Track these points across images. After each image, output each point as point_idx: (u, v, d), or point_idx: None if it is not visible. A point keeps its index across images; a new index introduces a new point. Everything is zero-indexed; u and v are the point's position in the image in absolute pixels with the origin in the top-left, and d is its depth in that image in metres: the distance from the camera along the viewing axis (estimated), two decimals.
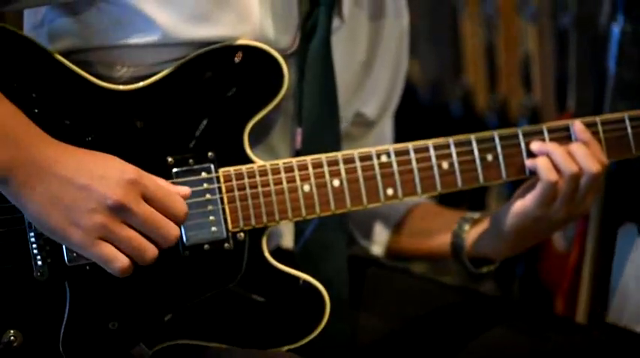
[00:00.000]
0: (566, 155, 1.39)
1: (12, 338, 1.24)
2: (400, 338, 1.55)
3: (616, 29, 2.20)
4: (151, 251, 1.23)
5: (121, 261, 1.21)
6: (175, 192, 1.25)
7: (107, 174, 1.21)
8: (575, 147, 1.40)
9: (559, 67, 2.80)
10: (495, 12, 3.00)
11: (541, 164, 1.39)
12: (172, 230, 1.24)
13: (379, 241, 1.63)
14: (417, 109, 3.15)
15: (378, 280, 1.61)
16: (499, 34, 3.01)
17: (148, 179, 1.23)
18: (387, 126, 1.64)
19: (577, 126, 1.42)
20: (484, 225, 1.49)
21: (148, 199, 1.23)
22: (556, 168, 1.39)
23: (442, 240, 1.54)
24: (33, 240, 1.25)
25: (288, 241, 1.56)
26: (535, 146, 1.41)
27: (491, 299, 1.66)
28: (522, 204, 1.41)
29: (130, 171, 1.22)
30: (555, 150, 1.40)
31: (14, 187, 1.20)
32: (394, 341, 1.55)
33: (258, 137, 1.43)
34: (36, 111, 1.26)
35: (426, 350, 1.53)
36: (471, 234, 1.50)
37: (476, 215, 1.53)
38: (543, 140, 1.41)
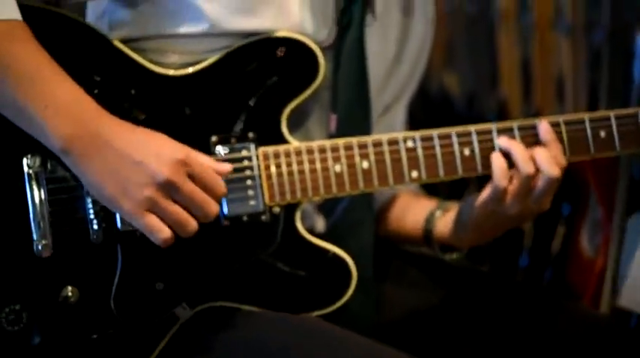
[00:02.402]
0: (527, 157, 1.45)
1: (70, 293, 1.38)
2: (422, 315, 1.64)
3: None
4: (192, 225, 1.36)
5: (164, 232, 1.34)
6: (217, 174, 1.38)
7: (160, 153, 1.34)
8: (538, 151, 1.46)
9: (592, 80, 2.89)
10: (531, 26, 3.11)
11: (496, 165, 1.46)
12: (213, 207, 1.37)
13: None
14: (454, 121, 3.25)
15: (399, 261, 1.71)
16: (535, 48, 3.11)
17: (195, 160, 1.36)
18: (398, 116, 1.72)
19: (543, 126, 1.49)
20: (451, 215, 1.58)
21: (193, 178, 1.35)
22: (514, 165, 1.46)
23: (417, 226, 1.63)
24: (90, 206, 1.39)
25: (320, 227, 1.67)
26: (501, 141, 1.48)
27: (517, 286, 1.75)
28: (479, 199, 1.49)
29: (181, 151, 1.35)
30: (516, 149, 1.46)
31: (75, 157, 1.33)
32: (416, 318, 1.64)
33: (296, 122, 1.54)
34: (96, 91, 1.39)
35: (444, 327, 1.63)
36: (441, 222, 1.60)
37: (450, 204, 1.62)
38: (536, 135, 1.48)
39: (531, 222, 3.03)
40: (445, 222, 1.60)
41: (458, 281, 1.68)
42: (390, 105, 1.71)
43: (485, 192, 1.49)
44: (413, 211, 1.67)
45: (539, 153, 1.47)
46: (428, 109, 3.57)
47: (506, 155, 1.47)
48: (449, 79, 3.48)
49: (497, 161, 1.47)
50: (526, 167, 1.45)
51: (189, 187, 1.35)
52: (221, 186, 1.38)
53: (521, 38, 3.17)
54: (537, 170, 1.46)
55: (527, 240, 3.04)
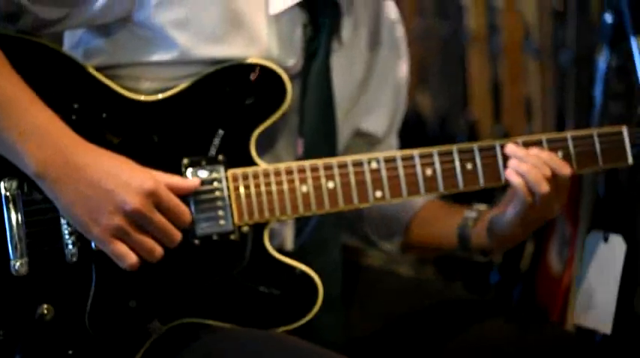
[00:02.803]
0: (540, 177, 1.52)
1: (45, 311, 1.43)
2: (387, 333, 1.71)
3: (602, 62, 2.38)
4: (158, 251, 1.44)
5: (130, 258, 1.42)
6: (186, 190, 1.46)
7: (130, 183, 1.41)
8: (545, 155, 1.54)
9: (559, 101, 2.97)
10: (501, 49, 3.19)
11: (518, 186, 1.53)
12: (176, 236, 1.45)
13: (395, 239, 1.78)
14: (425, 141, 3.33)
15: (368, 281, 1.78)
16: (504, 70, 3.19)
17: (163, 190, 1.43)
18: (393, 143, 1.81)
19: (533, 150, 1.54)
20: (482, 225, 1.64)
21: (160, 207, 1.43)
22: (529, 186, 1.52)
23: (449, 233, 1.68)
24: (65, 227, 1.44)
25: (289, 244, 1.73)
26: (512, 163, 1.54)
27: (470, 300, 1.82)
28: (506, 218, 1.56)
29: (149, 182, 1.42)
30: (529, 173, 1.52)
31: (48, 182, 1.40)
32: (382, 335, 1.71)
33: (266, 146, 1.61)
34: (73, 117, 1.46)
35: (411, 343, 1.69)
36: (475, 231, 1.65)
37: (481, 208, 1.67)
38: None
39: None
40: (479, 231, 1.65)
41: (427, 298, 1.75)
42: (386, 134, 1.78)
43: (511, 210, 1.55)
44: (442, 222, 1.72)
45: (549, 157, 1.53)
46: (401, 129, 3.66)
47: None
48: (422, 100, 3.56)
49: (516, 180, 1.53)
50: (542, 189, 1.51)
51: (156, 217, 1.43)
52: (186, 215, 1.46)
53: (492, 60, 3.26)
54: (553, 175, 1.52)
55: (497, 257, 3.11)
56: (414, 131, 3.58)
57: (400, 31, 1.77)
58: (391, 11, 1.76)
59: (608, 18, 2.25)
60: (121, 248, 1.42)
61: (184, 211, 1.45)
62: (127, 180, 1.41)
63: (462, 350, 1.66)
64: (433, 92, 3.49)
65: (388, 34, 1.75)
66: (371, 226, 1.79)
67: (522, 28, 3.12)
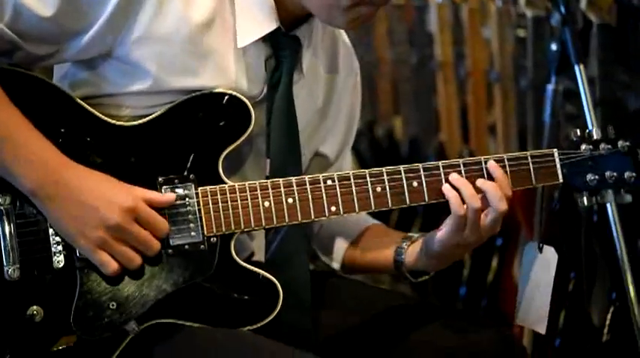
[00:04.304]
0: (474, 193, 1.70)
1: (35, 312, 1.61)
2: (355, 334, 1.86)
3: (549, 87, 2.57)
4: (137, 260, 1.63)
5: (112, 266, 1.61)
6: (163, 204, 1.64)
7: (112, 200, 1.60)
8: (487, 186, 1.71)
9: (520, 122, 3.17)
10: (466, 76, 3.39)
11: (452, 199, 1.70)
12: (155, 245, 1.63)
13: (337, 257, 1.95)
14: (398, 161, 3.53)
15: (336, 287, 1.94)
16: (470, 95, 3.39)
17: (142, 205, 1.62)
18: (345, 162, 1.98)
19: (491, 163, 1.74)
20: (417, 247, 1.81)
21: (139, 220, 1.62)
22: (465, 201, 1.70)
23: (387, 256, 1.85)
24: (53, 237, 1.63)
25: (260, 256, 1.90)
26: (452, 178, 1.73)
27: (426, 304, 2.00)
28: (442, 233, 1.73)
29: (130, 199, 1.61)
30: (464, 187, 1.71)
31: (41, 200, 1.59)
32: (350, 337, 1.86)
33: (235, 167, 1.79)
34: (60, 141, 1.64)
35: (376, 344, 1.85)
36: (408, 253, 1.82)
37: (415, 235, 1.85)
38: (460, 173, 1.75)
39: (468, 254, 3.29)
40: (412, 252, 1.81)
41: (390, 305, 1.91)
42: (338, 155, 1.95)
43: (447, 228, 1.71)
44: (383, 244, 1.88)
45: (489, 188, 1.70)
46: (376, 151, 3.84)
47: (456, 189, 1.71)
48: (395, 123, 3.76)
49: (450, 193, 1.70)
50: (474, 202, 1.69)
51: (136, 229, 1.61)
52: (163, 227, 1.64)
53: (459, 86, 3.45)
54: (488, 205, 1.69)
55: (466, 270, 3.30)
56: (387, 151, 3.77)
57: (355, 62, 1.96)
58: (346, 41, 1.94)
59: (554, 46, 2.45)
60: (105, 257, 1.61)
61: (162, 222, 1.64)
62: (110, 197, 1.60)
63: (406, 350, 1.83)
64: (405, 116, 3.68)
65: (344, 62, 1.92)
66: (316, 242, 1.97)
67: (487, 55, 3.32)
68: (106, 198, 1.60)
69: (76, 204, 1.59)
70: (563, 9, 2.33)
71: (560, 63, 2.42)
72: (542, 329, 1.86)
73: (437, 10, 3.49)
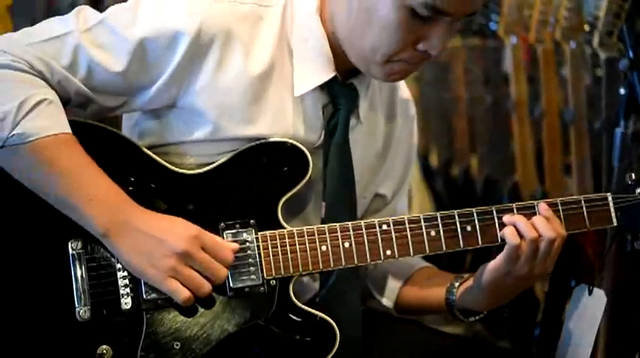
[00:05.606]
0: (529, 224, 1.76)
1: (104, 351, 1.70)
2: None
3: (618, 131, 2.57)
4: (207, 286, 1.70)
5: (184, 293, 1.68)
6: (226, 246, 1.72)
7: (177, 231, 1.68)
8: (537, 219, 1.77)
9: (595, 162, 3.15)
10: (541, 116, 3.39)
11: (507, 231, 1.76)
12: (222, 271, 1.70)
13: (390, 295, 2.01)
14: (473, 202, 3.54)
15: (390, 329, 1.99)
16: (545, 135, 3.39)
17: (205, 234, 1.70)
18: (400, 203, 2.05)
19: (541, 205, 1.80)
20: (469, 283, 1.86)
21: (205, 249, 1.69)
22: (520, 234, 1.76)
23: (439, 295, 1.91)
24: (121, 280, 1.72)
25: (312, 296, 1.94)
26: (505, 218, 1.78)
27: (488, 348, 2.03)
28: (493, 263, 1.78)
29: (194, 228, 1.70)
30: (520, 220, 1.77)
31: (111, 240, 1.68)
32: None
33: (295, 210, 1.86)
34: (130, 188, 1.74)
35: None
36: (460, 290, 1.87)
37: (466, 275, 1.90)
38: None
39: (542, 296, 3.27)
40: (463, 290, 1.87)
41: (442, 347, 1.96)
42: (393, 196, 2.02)
43: (499, 257, 1.76)
44: (435, 284, 1.94)
45: (538, 220, 1.76)
46: (451, 190, 3.86)
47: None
48: (471, 162, 3.78)
49: (508, 229, 1.76)
50: (530, 232, 1.74)
51: (203, 256, 1.69)
52: (228, 254, 1.71)
53: (534, 126, 3.46)
54: (539, 235, 1.74)
55: (540, 313, 3.28)
56: (463, 191, 3.79)
57: (413, 109, 2.02)
58: (404, 91, 2.01)
59: (622, 90, 2.46)
60: (176, 284, 1.68)
61: (226, 248, 1.70)
62: (174, 229, 1.69)
63: None
64: (481, 155, 3.70)
65: (401, 109, 1.99)
66: (371, 281, 2.02)
67: (562, 96, 3.32)
68: (171, 230, 1.68)
69: (144, 238, 1.67)
70: (631, 53, 2.34)
71: (628, 106, 2.42)
72: None
73: (512, 51, 3.51)
